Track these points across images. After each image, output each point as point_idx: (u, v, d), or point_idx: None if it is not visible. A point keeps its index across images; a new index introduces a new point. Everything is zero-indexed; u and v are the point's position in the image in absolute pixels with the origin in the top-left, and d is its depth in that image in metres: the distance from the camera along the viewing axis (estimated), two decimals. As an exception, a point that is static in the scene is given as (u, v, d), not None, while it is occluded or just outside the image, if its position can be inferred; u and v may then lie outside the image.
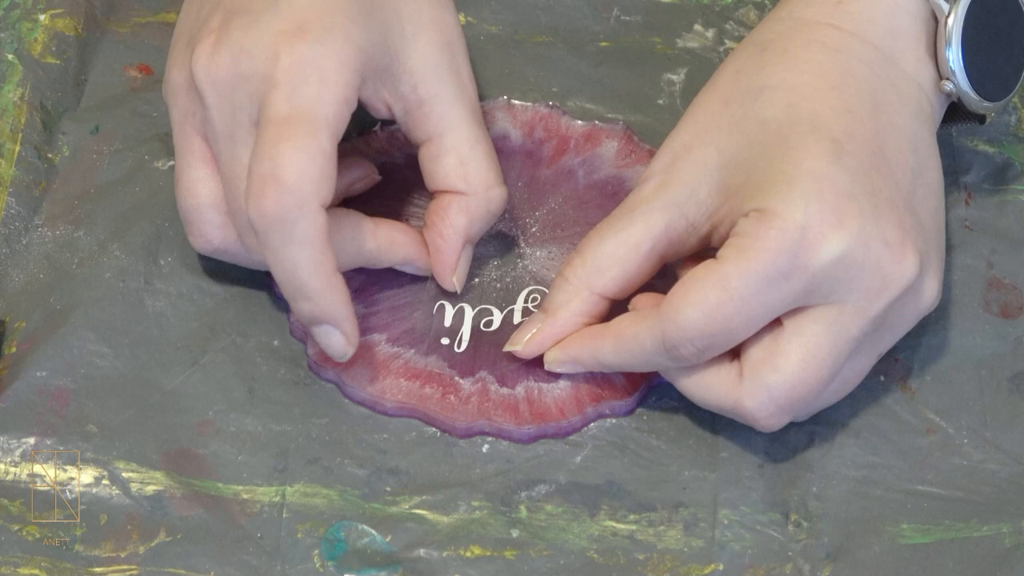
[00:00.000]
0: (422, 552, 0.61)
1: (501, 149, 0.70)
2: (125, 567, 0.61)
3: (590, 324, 0.63)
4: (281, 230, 0.58)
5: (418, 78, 0.63)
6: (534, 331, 0.64)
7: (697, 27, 0.74)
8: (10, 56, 0.71)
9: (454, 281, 0.65)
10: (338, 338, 0.61)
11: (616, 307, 0.64)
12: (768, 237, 0.58)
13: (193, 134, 0.62)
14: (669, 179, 0.62)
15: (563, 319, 0.63)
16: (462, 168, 0.64)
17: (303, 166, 0.58)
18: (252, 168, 0.58)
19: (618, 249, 0.62)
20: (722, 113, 0.63)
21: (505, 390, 0.64)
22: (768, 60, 0.63)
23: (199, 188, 0.62)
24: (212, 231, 0.62)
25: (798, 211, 0.58)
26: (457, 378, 0.65)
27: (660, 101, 0.72)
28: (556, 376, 0.65)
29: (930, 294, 0.62)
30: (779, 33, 0.64)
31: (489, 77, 0.72)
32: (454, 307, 0.66)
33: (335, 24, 0.60)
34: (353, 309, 0.61)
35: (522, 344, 0.64)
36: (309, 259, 0.59)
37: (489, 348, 0.65)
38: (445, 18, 0.64)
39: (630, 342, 0.61)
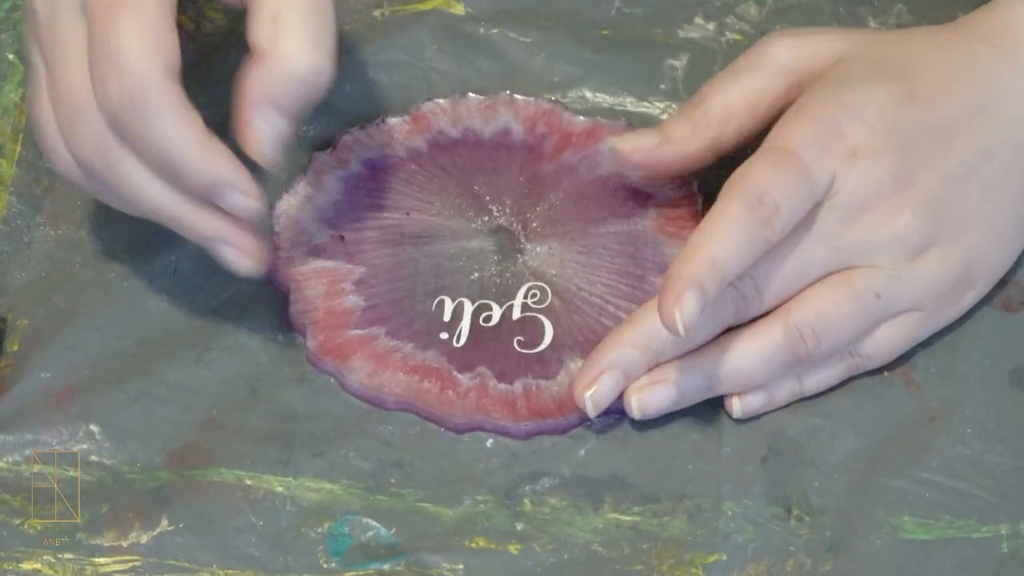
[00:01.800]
0: (426, 545, 0.61)
1: (503, 144, 0.70)
2: (128, 558, 0.61)
3: (694, 164, 0.66)
4: (134, 109, 0.57)
5: None
6: (645, 144, 0.66)
7: (698, 20, 0.75)
8: (11, 56, 0.71)
9: (256, 149, 0.60)
10: (240, 199, 0.59)
11: None
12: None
13: (35, 53, 0.60)
14: (798, 44, 0.66)
15: (680, 147, 0.66)
16: (272, 26, 0.59)
17: (135, 48, 0.56)
18: (91, 58, 0.57)
19: (740, 102, 0.66)
20: (868, 35, 0.67)
21: (503, 386, 0.64)
22: (921, 32, 0.67)
23: (42, 97, 0.60)
24: (54, 145, 0.60)
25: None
26: (455, 373, 0.65)
27: (662, 86, 0.72)
28: (554, 372, 0.65)
29: (927, 279, 0.64)
30: (942, 27, 0.67)
31: (489, 67, 0.72)
32: (454, 301, 0.66)
33: None
34: (244, 168, 0.58)
35: (627, 151, 0.66)
36: (173, 128, 0.57)
37: (488, 343, 0.65)
38: None
39: (758, 344, 0.63)
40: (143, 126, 0.57)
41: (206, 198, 0.59)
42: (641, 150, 0.66)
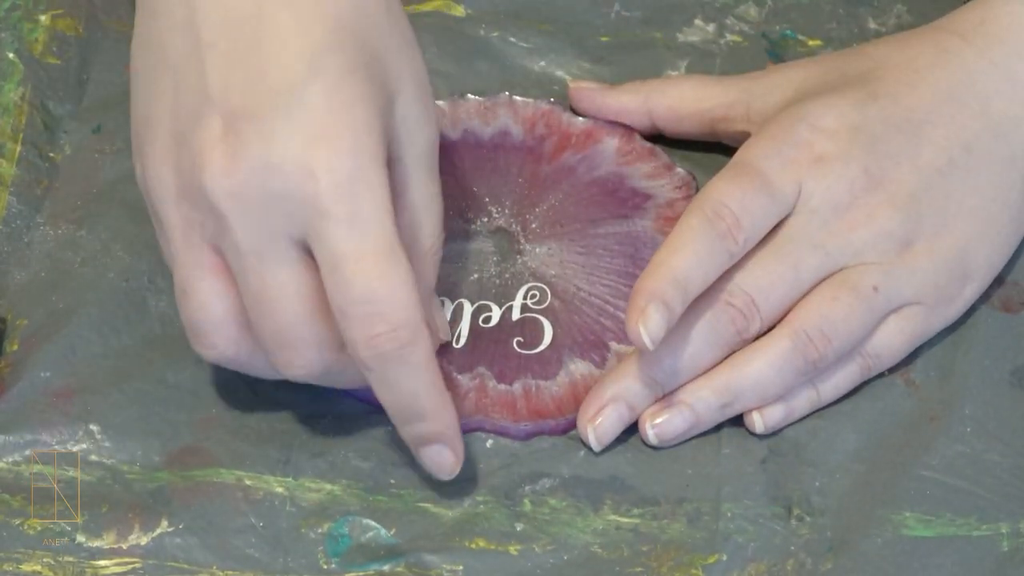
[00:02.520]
0: (426, 545, 0.61)
1: (502, 145, 0.70)
2: (127, 560, 0.61)
3: (627, 117, 0.70)
4: (398, 364, 0.57)
5: (392, 135, 0.60)
6: (589, 88, 0.71)
7: (697, 22, 0.75)
8: (11, 55, 0.71)
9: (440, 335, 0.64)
10: (448, 455, 0.61)
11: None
12: None
13: (201, 244, 0.58)
14: (761, 75, 0.69)
15: (615, 98, 0.70)
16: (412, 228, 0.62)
17: (404, 297, 0.56)
18: (346, 310, 0.56)
19: (686, 91, 0.70)
20: (828, 59, 0.68)
21: (503, 387, 0.64)
22: (886, 40, 0.68)
23: (214, 302, 0.59)
24: (226, 344, 0.59)
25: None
26: (455, 374, 0.65)
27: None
28: (554, 373, 0.65)
29: (916, 275, 0.64)
30: (912, 30, 0.68)
31: (489, 69, 0.73)
32: (453, 302, 0.66)
33: (357, 120, 0.57)
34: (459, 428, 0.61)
35: (576, 85, 0.71)
36: (427, 383, 0.58)
37: (488, 344, 0.65)
38: (418, 62, 0.61)
39: (767, 354, 0.63)
40: (402, 378, 0.58)
41: (416, 445, 0.61)
42: (584, 90, 0.71)
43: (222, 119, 0.57)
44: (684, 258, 0.61)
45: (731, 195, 0.62)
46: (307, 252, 0.57)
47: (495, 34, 0.74)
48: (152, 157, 0.59)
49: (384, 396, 0.59)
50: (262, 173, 0.56)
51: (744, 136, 0.68)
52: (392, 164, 0.59)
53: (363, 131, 0.56)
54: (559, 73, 0.73)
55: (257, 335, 0.58)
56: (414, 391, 0.58)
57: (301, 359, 0.58)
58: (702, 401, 0.63)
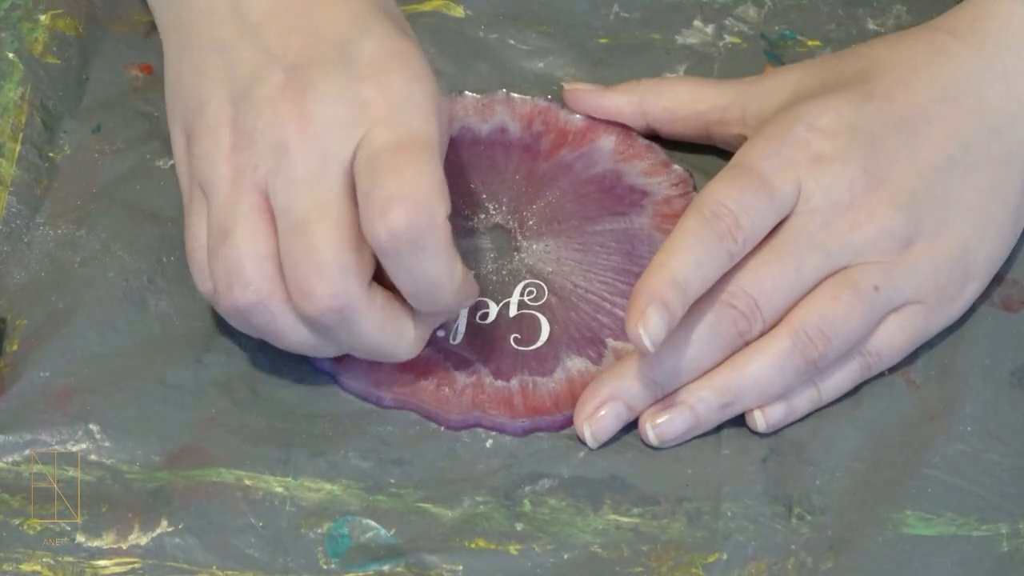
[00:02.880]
0: (426, 545, 0.61)
1: (499, 142, 0.70)
2: (127, 560, 0.61)
3: (622, 116, 0.71)
4: (414, 246, 0.58)
5: None
6: (584, 89, 0.71)
7: (697, 23, 0.75)
8: (11, 55, 0.71)
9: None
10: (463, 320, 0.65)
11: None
12: None
13: (251, 188, 0.60)
14: (757, 79, 0.69)
15: (610, 99, 0.71)
16: None
17: (429, 181, 0.58)
18: (372, 194, 0.58)
19: (682, 92, 0.70)
20: (824, 61, 0.68)
21: (500, 383, 0.64)
22: (881, 40, 0.69)
23: (258, 239, 0.60)
24: (262, 282, 0.60)
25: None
26: (452, 370, 0.65)
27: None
28: (551, 370, 0.65)
29: (916, 276, 0.64)
30: (906, 31, 0.68)
31: (488, 72, 0.73)
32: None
33: (413, 61, 0.61)
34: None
35: (571, 87, 0.71)
36: (445, 270, 0.59)
37: (485, 341, 0.65)
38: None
39: (768, 354, 0.63)
40: (419, 263, 0.59)
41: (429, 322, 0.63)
42: (578, 92, 0.71)
43: (283, 72, 0.60)
44: (683, 259, 0.61)
45: (729, 195, 0.62)
46: (352, 185, 0.60)
47: (494, 35, 0.74)
48: (205, 120, 0.61)
49: (405, 281, 0.60)
50: (325, 103, 0.60)
51: (739, 140, 0.68)
52: None
53: (420, 69, 0.61)
54: (558, 74, 0.73)
55: (289, 268, 0.60)
56: (429, 278, 0.59)
57: (326, 286, 0.59)
58: (703, 402, 0.63)
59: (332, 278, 0.59)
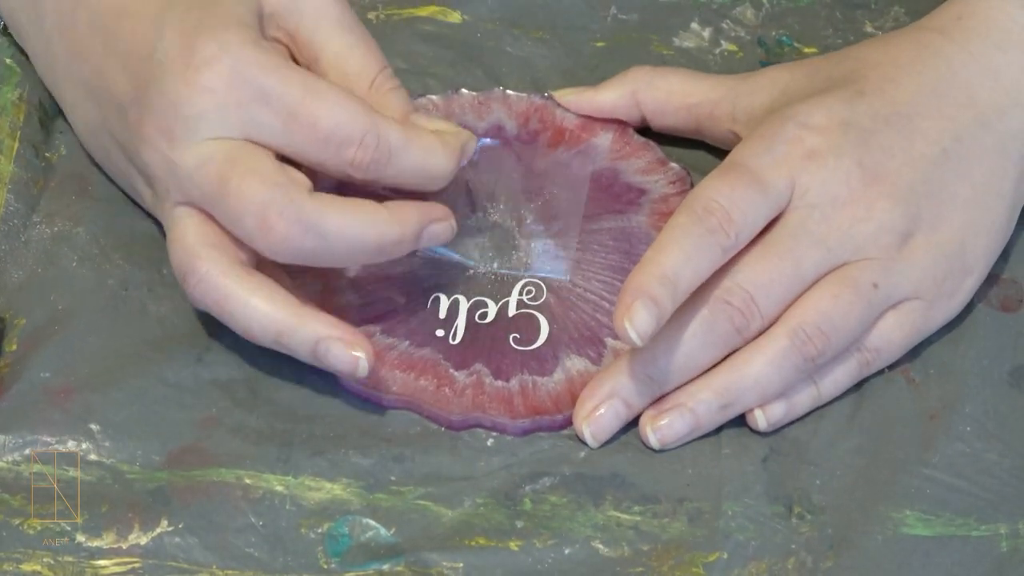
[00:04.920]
0: (426, 544, 0.61)
1: (496, 139, 0.70)
2: (127, 559, 0.60)
3: (615, 111, 0.71)
4: (385, 167, 0.62)
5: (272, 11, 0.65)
6: (577, 93, 0.72)
7: (694, 26, 0.75)
8: (8, 60, 0.71)
9: None
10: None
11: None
12: None
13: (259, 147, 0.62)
14: (748, 76, 0.69)
15: (603, 95, 0.71)
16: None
17: (346, 112, 0.62)
18: (314, 154, 0.62)
19: (674, 84, 0.70)
20: (814, 62, 0.69)
21: (500, 383, 0.64)
22: (869, 41, 0.69)
23: (280, 172, 0.61)
24: (282, 178, 0.62)
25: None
26: (452, 370, 0.65)
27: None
28: (551, 369, 0.65)
29: (913, 272, 0.64)
30: (895, 31, 0.69)
31: (484, 77, 0.73)
32: (449, 299, 0.66)
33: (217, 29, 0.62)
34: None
35: (561, 95, 0.72)
36: (416, 165, 0.63)
37: (484, 340, 0.65)
38: None
39: (766, 354, 0.63)
40: (391, 171, 0.63)
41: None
42: (572, 96, 0.72)
43: (131, 109, 0.63)
44: (672, 254, 0.61)
45: (720, 191, 0.62)
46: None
47: (491, 41, 0.74)
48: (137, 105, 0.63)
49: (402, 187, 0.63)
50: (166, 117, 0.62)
51: (729, 136, 0.68)
52: (294, 36, 0.65)
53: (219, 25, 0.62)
54: (554, 80, 0.73)
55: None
56: (412, 173, 0.63)
57: (348, 118, 0.62)
58: (703, 403, 0.63)
59: (352, 111, 0.62)
